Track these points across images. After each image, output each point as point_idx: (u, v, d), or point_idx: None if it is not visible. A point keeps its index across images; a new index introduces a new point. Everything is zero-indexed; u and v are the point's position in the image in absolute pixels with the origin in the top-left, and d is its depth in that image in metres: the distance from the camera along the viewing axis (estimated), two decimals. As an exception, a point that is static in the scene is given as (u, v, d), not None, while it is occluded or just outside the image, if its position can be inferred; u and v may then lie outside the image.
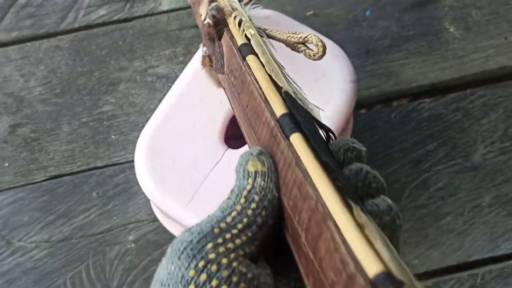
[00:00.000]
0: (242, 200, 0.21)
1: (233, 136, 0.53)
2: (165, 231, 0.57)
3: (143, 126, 0.61)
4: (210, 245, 0.20)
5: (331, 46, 0.51)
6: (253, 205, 0.21)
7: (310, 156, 0.20)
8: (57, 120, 0.62)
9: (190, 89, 0.51)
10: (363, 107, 0.63)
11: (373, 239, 0.17)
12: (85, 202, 0.59)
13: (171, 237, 0.57)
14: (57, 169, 0.61)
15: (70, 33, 0.66)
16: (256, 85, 0.25)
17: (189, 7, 0.66)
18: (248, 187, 0.22)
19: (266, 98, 0.24)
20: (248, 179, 0.22)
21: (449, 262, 0.58)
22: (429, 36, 0.65)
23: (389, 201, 0.21)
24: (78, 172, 0.61)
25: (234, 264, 0.20)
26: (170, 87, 0.63)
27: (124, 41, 0.65)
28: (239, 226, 0.21)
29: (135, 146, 0.62)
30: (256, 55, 0.28)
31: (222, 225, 0.21)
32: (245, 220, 0.21)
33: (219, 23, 0.35)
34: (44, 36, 0.66)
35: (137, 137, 0.62)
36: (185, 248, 0.21)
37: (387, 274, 0.15)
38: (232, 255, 0.20)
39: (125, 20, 0.66)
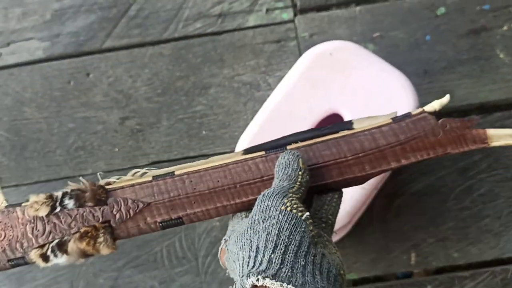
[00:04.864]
0: (299, 180, 0.41)
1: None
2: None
3: (229, 125, 0.73)
4: (290, 193, 0.39)
5: (399, 76, 0.61)
6: (304, 185, 0.41)
7: None
8: (158, 116, 0.75)
9: (281, 106, 0.62)
10: (418, 119, 0.73)
11: None
12: (180, 185, 0.72)
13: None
14: (157, 156, 0.73)
15: (171, 42, 0.78)
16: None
17: (272, 24, 0.77)
18: (300, 177, 0.41)
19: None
20: (300, 170, 0.42)
21: (485, 257, 0.68)
22: (481, 60, 0.74)
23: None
24: (175, 160, 0.73)
25: (299, 203, 0.39)
26: (253, 93, 0.75)
27: (215, 51, 0.77)
28: (299, 193, 0.41)
29: (222, 141, 0.74)
30: None
31: (291, 190, 0.40)
32: (301, 190, 0.41)
33: None
34: (149, 43, 0.78)
35: (224, 134, 0.73)
36: (276, 194, 0.39)
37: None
38: (297, 198, 0.40)
39: (217, 33, 0.78)
